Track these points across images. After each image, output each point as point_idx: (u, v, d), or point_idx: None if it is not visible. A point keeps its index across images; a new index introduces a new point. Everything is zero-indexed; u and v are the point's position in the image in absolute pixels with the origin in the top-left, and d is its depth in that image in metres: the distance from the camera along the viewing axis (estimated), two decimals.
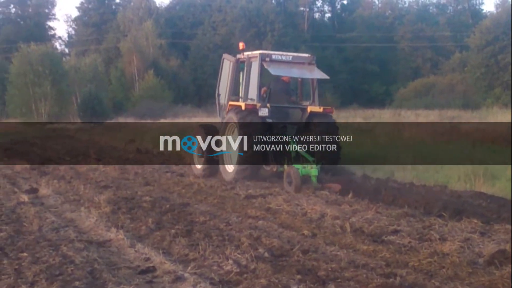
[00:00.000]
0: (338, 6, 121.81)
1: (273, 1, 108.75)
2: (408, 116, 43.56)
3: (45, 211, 12.05)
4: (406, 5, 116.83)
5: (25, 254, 8.54)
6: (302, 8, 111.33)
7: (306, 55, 18.19)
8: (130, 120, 54.14)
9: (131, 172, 19.17)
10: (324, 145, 15.94)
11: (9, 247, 9.02)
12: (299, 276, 7.46)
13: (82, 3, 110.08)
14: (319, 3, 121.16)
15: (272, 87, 17.48)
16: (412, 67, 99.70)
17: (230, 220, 11.05)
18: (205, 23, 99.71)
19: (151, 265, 8.13)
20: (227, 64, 18.27)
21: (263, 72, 16.81)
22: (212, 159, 17.43)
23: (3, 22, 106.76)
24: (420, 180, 15.40)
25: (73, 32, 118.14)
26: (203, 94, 78.19)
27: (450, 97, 65.73)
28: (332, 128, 16.53)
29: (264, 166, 16.64)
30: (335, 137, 16.23)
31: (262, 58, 16.73)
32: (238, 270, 7.79)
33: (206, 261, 8.34)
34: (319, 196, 13.48)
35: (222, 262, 8.22)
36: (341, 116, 47.65)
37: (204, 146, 17.51)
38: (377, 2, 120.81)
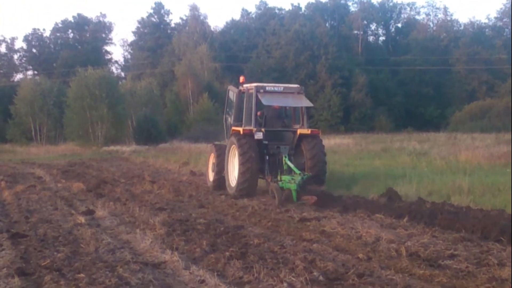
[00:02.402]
0: (393, 29, 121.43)
1: (327, 25, 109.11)
2: (464, 139, 42.99)
3: (101, 232, 12.20)
4: (462, 27, 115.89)
5: (82, 275, 8.64)
6: (356, 31, 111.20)
7: (295, 85, 20.55)
8: (184, 143, 54.50)
9: (185, 195, 19.30)
10: (311, 161, 18.44)
11: (66, 268, 9.14)
12: None
13: (138, 28, 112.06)
14: (373, 26, 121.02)
15: (267, 113, 20.15)
16: (467, 90, 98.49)
17: (285, 243, 11.02)
18: (259, 47, 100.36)
19: (205, 287, 8.15)
20: (232, 94, 21.23)
21: (258, 101, 19.17)
22: (221, 175, 20.14)
23: (61, 47, 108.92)
24: (477, 204, 15.13)
25: (129, 56, 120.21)
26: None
27: (507, 120, 64.73)
28: (318, 146, 18.90)
29: (261, 178, 19.02)
30: (321, 154, 18.78)
31: (257, 89, 19.26)
32: None
33: (261, 283, 8.33)
34: (374, 220, 13.40)
35: (277, 285, 8.19)
36: (395, 140, 47.44)
37: (215, 163, 20.72)
38: (432, 25, 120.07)
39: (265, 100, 19.05)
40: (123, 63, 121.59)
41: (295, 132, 19.38)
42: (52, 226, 13.17)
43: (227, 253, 9.96)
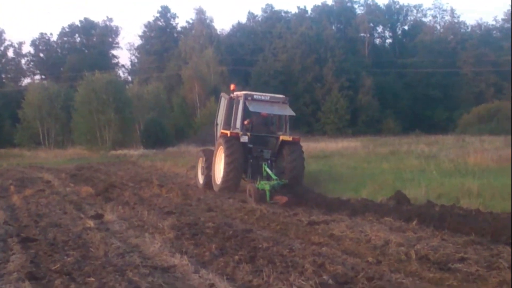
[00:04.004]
0: (399, 32, 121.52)
1: (333, 27, 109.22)
2: (473, 142, 42.89)
3: (111, 236, 12.20)
4: (469, 29, 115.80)
5: (92, 279, 8.64)
6: (362, 34, 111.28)
7: (281, 96, 22.39)
8: (192, 146, 54.48)
9: (193, 198, 19.31)
10: (290, 166, 20.16)
11: (76, 272, 9.14)
12: None
13: (144, 32, 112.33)
14: (379, 29, 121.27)
15: (254, 120, 21.97)
16: (475, 92, 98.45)
17: (294, 247, 11.00)
18: (265, 50, 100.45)
19: None
20: (223, 101, 23.14)
21: (246, 108, 21.04)
22: (209, 175, 21.96)
23: (68, 51, 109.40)
24: (486, 207, 15.08)
25: (135, 60, 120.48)
26: None
27: None
28: (298, 152, 20.60)
29: (244, 179, 20.89)
30: (300, 160, 20.50)
31: (246, 97, 21.21)
32: None
33: (270, 287, 8.32)
34: (383, 223, 13.36)
35: None
36: (403, 142, 47.37)
37: (204, 166, 22.59)
38: (438, 27, 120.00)
39: (252, 107, 21.00)
40: (130, 67, 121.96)
41: (278, 138, 21.14)
42: (61, 230, 13.18)
43: (236, 257, 9.96)
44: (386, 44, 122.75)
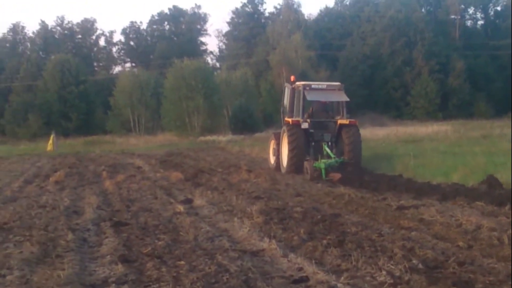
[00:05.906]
0: (491, 13, 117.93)
1: (423, 10, 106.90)
2: None
3: (200, 221, 12.38)
4: None
5: (182, 262, 8.81)
6: (453, 16, 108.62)
7: (337, 83, 24.89)
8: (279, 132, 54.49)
9: (281, 183, 19.38)
10: (348, 146, 22.20)
11: (167, 255, 9.34)
12: None
13: (232, 18, 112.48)
14: (471, 11, 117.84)
15: (314, 107, 24.43)
16: None
17: (382, 231, 10.90)
18: (353, 34, 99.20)
19: (304, 275, 8.17)
20: (287, 90, 25.26)
21: (305, 97, 23.40)
22: (278, 157, 24.10)
23: (158, 39, 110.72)
24: None
25: (223, 46, 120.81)
26: (352, 106, 77.92)
27: None
28: (355, 134, 22.56)
29: (307, 161, 21.57)
30: (357, 140, 22.49)
31: (304, 87, 23.50)
32: (392, 281, 7.69)
33: (359, 271, 8.29)
34: (474, 208, 13.12)
35: (375, 273, 8.14)
36: (495, 126, 46.24)
37: (275, 148, 24.68)
38: None
39: (310, 96, 23.38)
40: (218, 53, 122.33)
41: (336, 122, 23.31)
42: (152, 214, 13.48)
43: (325, 241, 9.96)
44: (478, 26, 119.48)
